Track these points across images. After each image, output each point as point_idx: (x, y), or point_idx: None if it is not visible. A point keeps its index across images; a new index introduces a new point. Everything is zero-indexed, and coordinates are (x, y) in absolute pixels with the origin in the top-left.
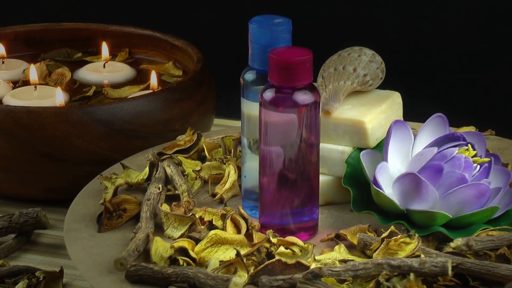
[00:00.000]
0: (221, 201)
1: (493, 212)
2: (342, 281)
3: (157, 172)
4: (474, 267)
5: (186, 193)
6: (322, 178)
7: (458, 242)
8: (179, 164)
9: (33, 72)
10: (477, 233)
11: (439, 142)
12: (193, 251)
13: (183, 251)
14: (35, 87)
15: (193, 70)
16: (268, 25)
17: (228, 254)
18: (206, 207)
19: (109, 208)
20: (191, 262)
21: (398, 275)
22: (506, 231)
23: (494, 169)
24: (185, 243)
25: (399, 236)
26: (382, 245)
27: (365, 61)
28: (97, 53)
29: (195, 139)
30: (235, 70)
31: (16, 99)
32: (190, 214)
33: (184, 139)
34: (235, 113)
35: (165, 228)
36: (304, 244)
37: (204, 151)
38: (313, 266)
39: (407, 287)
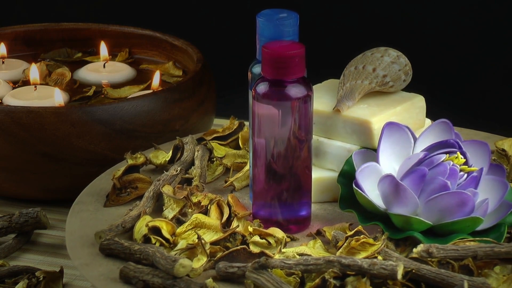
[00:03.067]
0: (234, 188)
1: (475, 222)
2: (290, 274)
3: (185, 155)
4: (429, 274)
5: (198, 177)
6: (330, 175)
7: (419, 248)
8: (211, 150)
9: (34, 71)
10: (453, 242)
11: (433, 148)
12: (173, 232)
13: (156, 231)
14: (35, 87)
15: (193, 70)
16: (274, 19)
17: (205, 237)
18: (207, 192)
19: (116, 184)
20: (163, 242)
21: (356, 274)
22: (483, 243)
23: (493, 180)
24: (162, 223)
25: (361, 236)
26: (345, 244)
27: (387, 62)
28: (97, 53)
29: (235, 127)
30: (235, 70)
31: (16, 99)
32: (182, 197)
33: (224, 127)
34: (235, 113)
35: (164, 209)
36: (281, 236)
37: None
38: (276, 257)
39: (357, 287)
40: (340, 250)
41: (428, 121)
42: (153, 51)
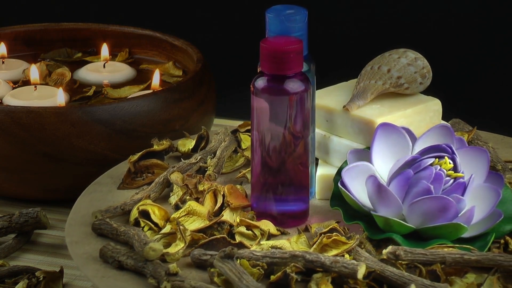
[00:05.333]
0: (248, 180)
1: (457, 229)
2: (255, 266)
3: (211, 145)
4: (392, 276)
5: (212, 167)
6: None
7: (387, 249)
8: (239, 141)
9: (34, 71)
10: (431, 246)
11: (426, 152)
12: (167, 218)
13: (145, 214)
14: (35, 87)
15: (193, 70)
16: (281, 15)
17: (194, 224)
18: (214, 181)
19: (131, 168)
20: (152, 225)
21: (324, 272)
22: (462, 250)
23: (487, 188)
24: (154, 208)
25: (334, 233)
26: (319, 240)
27: (403, 63)
28: (97, 53)
29: None
30: (235, 70)
31: (16, 99)
32: (183, 184)
33: None
34: (235, 113)
35: (171, 195)
36: (266, 229)
37: None
38: (253, 248)
39: (319, 283)
40: (314, 246)
41: (448, 125)
42: (153, 51)
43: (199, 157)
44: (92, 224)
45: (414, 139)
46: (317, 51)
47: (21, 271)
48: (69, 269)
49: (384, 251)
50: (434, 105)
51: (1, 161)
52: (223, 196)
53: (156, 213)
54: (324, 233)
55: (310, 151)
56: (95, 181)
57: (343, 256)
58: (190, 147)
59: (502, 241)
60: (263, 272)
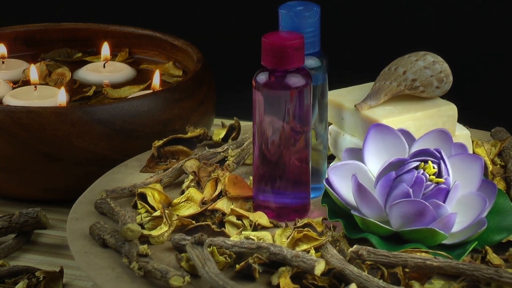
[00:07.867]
0: None
1: (433, 234)
2: (223, 254)
3: (245, 136)
4: (351, 275)
5: (233, 157)
6: None
7: (352, 249)
8: None
9: (34, 72)
10: (404, 249)
11: (416, 155)
12: (169, 202)
13: (143, 197)
14: (35, 87)
15: (193, 70)
16: (292, 11)
17: (189, 210)
18: (230, 171)
19: (154, 153)
20: (148, 208)
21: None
22: (436, 256)
23: (475, 196)
24: (154, 192)
25: (305, 229)
26: (292, 234)
27: (419, 66)
28: (97, 53)
29: None
30: (235, 70)
31: (16, 99)
32: (192, 171)
33: None
34: (235, 113)
35: (185, 181)
36: (255, 220)
37: None
38: (232, 238)
39: (280, 276)
40: (288, 240)
41: (466, 132)
42: (153, 51)
43: (226, 147)
44: (95, 203)
45: (412, 141)
46: (332, 48)
47: (21, 271)
48: (69, 269)
49: (349, 250)
50: (449, 110)
51: (1, 161)
52: (224, 185)
53: (156, 197)
54: (297, 227)
55: (322, 147)
56: (122, 163)
57: (309, 251)
58: (221, 137)
59: (483, 250)
60: (229, 260)
